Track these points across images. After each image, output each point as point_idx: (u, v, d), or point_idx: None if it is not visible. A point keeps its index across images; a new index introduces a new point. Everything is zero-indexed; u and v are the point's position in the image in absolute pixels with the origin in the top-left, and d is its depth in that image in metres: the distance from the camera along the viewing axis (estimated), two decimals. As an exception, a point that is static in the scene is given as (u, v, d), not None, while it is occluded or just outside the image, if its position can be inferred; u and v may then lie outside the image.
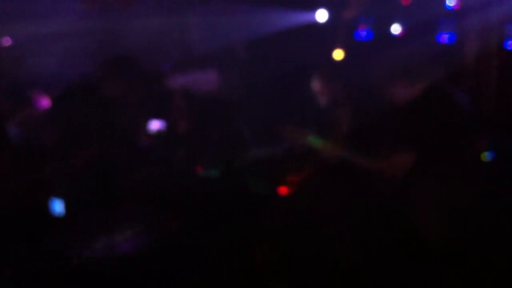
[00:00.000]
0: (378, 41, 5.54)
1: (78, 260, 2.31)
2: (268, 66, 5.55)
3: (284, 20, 5.72)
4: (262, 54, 5.77)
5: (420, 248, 3.16)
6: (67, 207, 3.06)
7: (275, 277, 2.89)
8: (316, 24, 5.85)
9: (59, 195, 3.05)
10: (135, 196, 3.10)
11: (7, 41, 5.59)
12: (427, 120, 3.52)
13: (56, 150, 3.33)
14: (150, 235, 2.42)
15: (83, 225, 2.59)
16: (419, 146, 3.48)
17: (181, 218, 2.81)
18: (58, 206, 3.07)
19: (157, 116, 3.95)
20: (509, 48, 5.49)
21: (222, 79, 4.76)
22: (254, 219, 3.10)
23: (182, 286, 2.36)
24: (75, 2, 5.57)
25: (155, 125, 3.91)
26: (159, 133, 3.90)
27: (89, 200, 3.04)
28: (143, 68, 4.17)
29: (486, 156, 4.37)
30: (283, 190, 3.90)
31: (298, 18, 5.80)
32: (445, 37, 5.56)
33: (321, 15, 5.85)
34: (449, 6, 5.64)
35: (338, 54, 5.68)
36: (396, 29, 5.68)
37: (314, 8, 5.84)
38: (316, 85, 4.39)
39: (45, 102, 4.51)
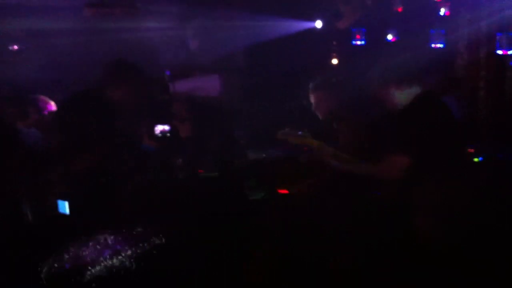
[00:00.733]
0: (372, 47, 5.58)
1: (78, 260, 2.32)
2: (267, 72, 5.63)
3: (282, 28, 5.79)
4: (261, 61, 5.86)
5: (418, 249, 3.21)
6: (71, 209, 3.11)
7: (275, 277, 2.95)
8: (313, 32, 5.94)
9: (64, 198, 3.08)
10: (137, 199, 3.18)
11: (13, 47, 5.66)
12: (420, 125, 3.58)
13: (60, 154, 3.35)
14: (150, 236, 2.42)
15: (86, 226, 2.65)
16: (414, 150, 3.54)
17: (181, 219, 2.88)
18: (62, 208, 3.10)
19: (158, 121, 3.97)
20: (500, 54, 5.49)
21: (223, 85, 4.83)
22: (254, 220, 3.17)
23: (183, 286, 2.36)
24: (80, 10, 5.63)
25: (160, 127, 3.92)
26: (164, 135, 3.91)
27: (92, 203, 3.09)
28: (145, 74, 4.19)
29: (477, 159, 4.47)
30: (282, 192, 3.96)
31: (296, 26, 5.88)
32: (437, 44, 5.61)
33: (317, 24, 5.97)
34: (442, 14, 5.70)
35: (333, 61, 5.79)
36: (390, 36, 5.74)
37: (311, 17, 5.93)
38: (312, 101, 4.44)
39: (50, 106, 4.58)
